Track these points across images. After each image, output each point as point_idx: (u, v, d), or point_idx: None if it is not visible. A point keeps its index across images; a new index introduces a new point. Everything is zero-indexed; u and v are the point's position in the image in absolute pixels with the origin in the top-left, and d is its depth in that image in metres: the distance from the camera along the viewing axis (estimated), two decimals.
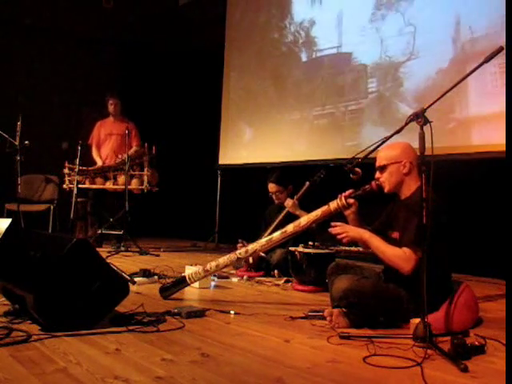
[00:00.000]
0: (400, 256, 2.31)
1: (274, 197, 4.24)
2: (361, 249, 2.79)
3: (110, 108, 5.84)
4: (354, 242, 2.74)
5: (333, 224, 2.50)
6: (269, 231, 3.79)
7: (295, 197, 3.94)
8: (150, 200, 6.00)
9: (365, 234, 2.44)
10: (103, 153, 5.84)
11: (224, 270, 3.40)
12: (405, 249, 2.30)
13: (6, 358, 1.80)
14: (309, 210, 3.12)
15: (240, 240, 4.19)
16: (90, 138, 5.88)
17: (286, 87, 5.87)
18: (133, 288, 3.08)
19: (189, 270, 3.09)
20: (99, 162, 5.76)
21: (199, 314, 2.55)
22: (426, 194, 2.04)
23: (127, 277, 3.16)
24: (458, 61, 4.22)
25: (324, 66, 5.47)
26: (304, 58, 5.71)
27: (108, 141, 5.84)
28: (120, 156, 5.54)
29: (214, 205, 6.52)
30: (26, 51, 6.92)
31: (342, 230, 2.46)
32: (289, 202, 3.92)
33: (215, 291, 3.37)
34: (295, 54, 5.79)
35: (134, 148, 5.66)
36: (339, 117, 5.24)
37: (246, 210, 5.73)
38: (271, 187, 4.23)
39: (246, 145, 6.29)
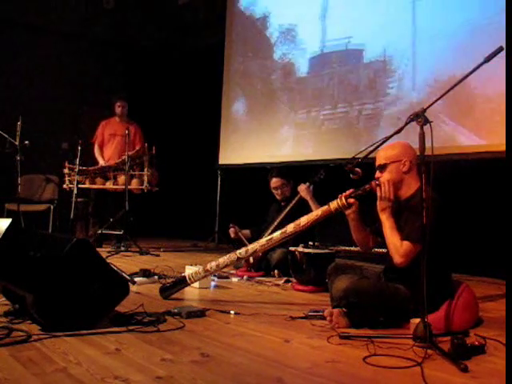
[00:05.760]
0: (396, 246, 2.34)
1: (278, 192, 4.23)
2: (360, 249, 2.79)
3: (118, 110, 5.85)
4: (354, 242, 2.75)
5: (385, 183, 2.43)
6: (270, 230, 3.80)
7: (308, 182, 3.94)
8: (150, 200, 6.00)
9: (385, 213, 2.41)
10: (106, 153, 5.84)
11: (224, 269, 3.40)
12: (404, 242, 2.32)
13: (6, 358, 1.80)
14: (309, 211, 3.12)
15: (231, 224, 4.20)
16: (94, 137, 5.89)
17: (288, 86, 5.86)
18: (133, 288, 3.08)
19: (189, 270, 3.09)
20: (101, 162, 5.76)
21: (199, 313, 2.55)
22: (427, 193, 2.04)
23: (127, 277, 3.16)
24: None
25: (334, 62, 5.31)
26: (309, 54, 5.64)
27: (112, 141, 5.84)
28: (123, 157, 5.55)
29: (214, 205, 6.52)
30: (26, 51, 6.91)
31: (385, 193, 2.39)
32: (302, 186, 3.94)
33: (215, 291, 3.37)
34: (298, 51, 5.78)
35: (136, 148, 5.66)
36: (352, 119, 5.06)
37: (246, 210, 5.72)
38: (276, 182, 4.23)
39: (246, 145, 6.29)
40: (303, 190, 3.93)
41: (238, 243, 4.03)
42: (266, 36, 6.18)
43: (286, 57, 5.90)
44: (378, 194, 2.43)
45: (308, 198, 3.89)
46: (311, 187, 3.93)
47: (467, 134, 4.19)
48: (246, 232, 4.27)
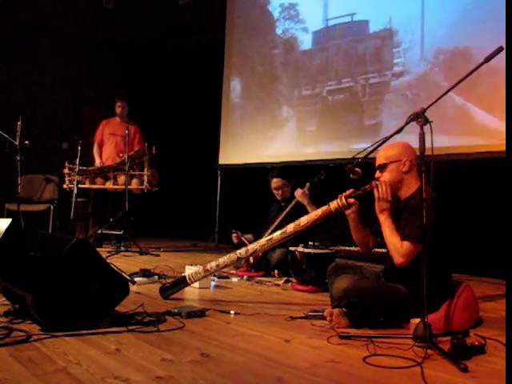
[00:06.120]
0: (396, 247, 2.35)
1: (279, 193, 4.23)
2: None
3: (118, 110, 5.86)
4: (354, 242, 2.75)
5: (382, 184, 2.43)
6: (270, 230, 3.80)
7: (305, 186, 3.93)
8: (150, 200, 6.00)
9: (383, 214, 2.42)
10: (105, 152, 5.85)
11: (224, 269, 3.40)
12: (404, 242, 2.32)
13: (6, 358, 1.80)
14: (308, 212, 3.12)
15: (234, 230, 4.19)
16: (94, 136, 5.89)
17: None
18: (133, 288, 3.08)
19: (189, 270, 3.09)
20: (97, 161, 5.77)
21: (199, 313, 2.55)
22: (427, 193, 2.04)
23: (127, 277, 3.16)
24: None
25: (338, 35, 5.22)
26: (313, 28, 5.61)
27: (111, 141, 5.84)
28: (121, 155, 5.54)
29: (214, 205, 6.52)
30: (26, 51, 6.92)
31: (382, 194, 2.40)
32: (298, 191, 3.93)
33: (215, 291, 3.37)
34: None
35: (135, 149, 5.66)
36: (358, 92, 5.00)
37: (245, 210, 5.73)
38: (276, 182, 4.22)
39: (246, 145, 6.29)
40: (299, 194, 3.91)
41: (240, 247, 4.03)
42: (269, 11, 6.14)
43: (289, 32, 5.87)
44: (376, 194, 2.43)
45: (305, 202, 3.85)
46: (307, 189, 3.91)
47: (468, 134, 4.19)
48: (249, 237, 4.23)
